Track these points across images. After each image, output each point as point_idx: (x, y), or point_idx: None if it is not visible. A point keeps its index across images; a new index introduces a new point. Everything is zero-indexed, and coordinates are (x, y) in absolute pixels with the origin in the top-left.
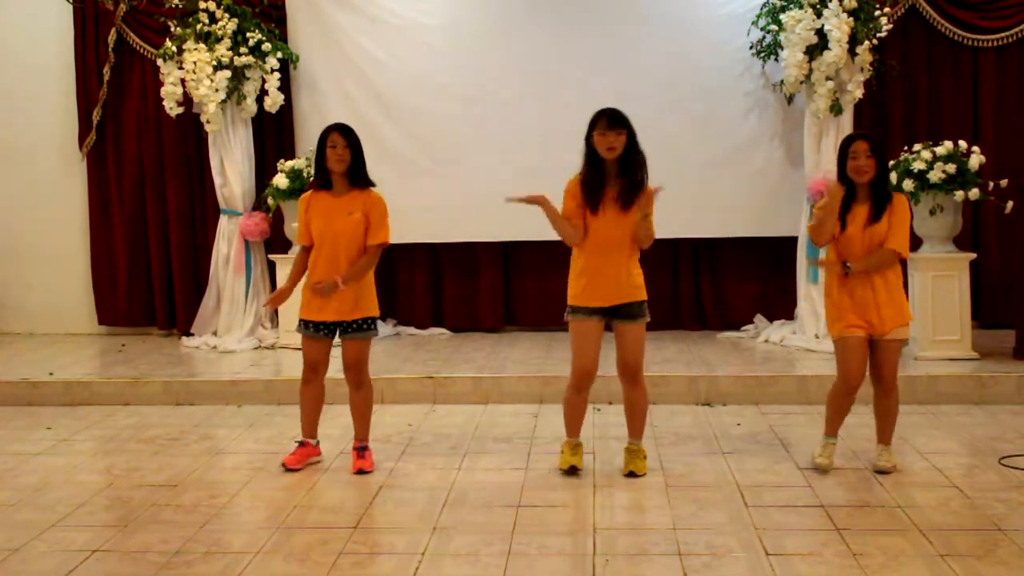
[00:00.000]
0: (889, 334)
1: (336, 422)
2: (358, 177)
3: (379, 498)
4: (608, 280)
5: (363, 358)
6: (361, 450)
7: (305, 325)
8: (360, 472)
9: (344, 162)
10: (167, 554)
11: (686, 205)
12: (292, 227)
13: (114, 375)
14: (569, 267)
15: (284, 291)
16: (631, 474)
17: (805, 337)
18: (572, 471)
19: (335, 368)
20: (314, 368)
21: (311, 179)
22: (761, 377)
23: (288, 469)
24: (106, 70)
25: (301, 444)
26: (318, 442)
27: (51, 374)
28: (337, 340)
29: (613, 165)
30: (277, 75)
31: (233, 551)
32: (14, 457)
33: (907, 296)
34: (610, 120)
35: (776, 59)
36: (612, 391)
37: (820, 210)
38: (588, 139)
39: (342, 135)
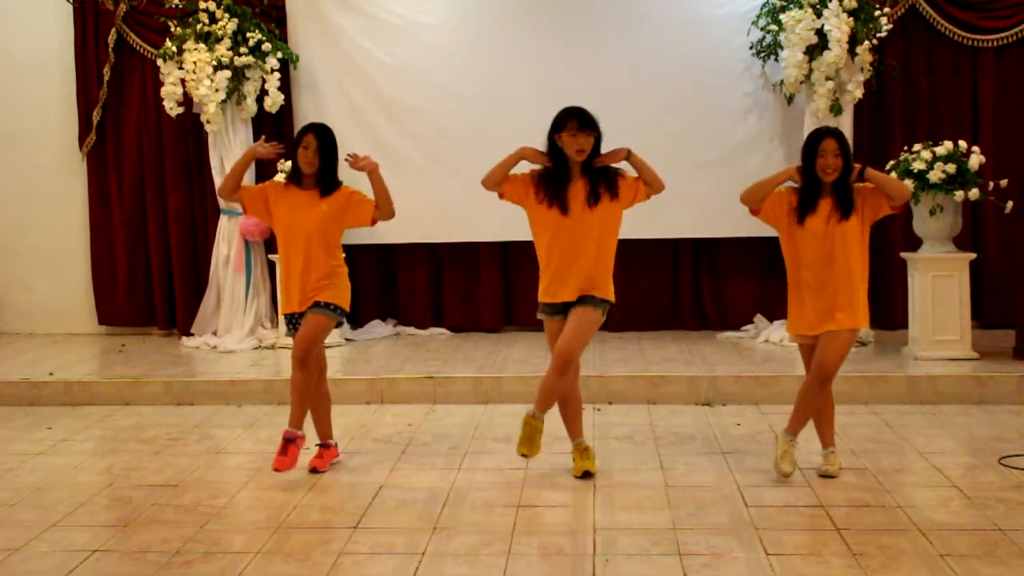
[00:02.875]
0: (842, 329)
1: (336, 422)
2: (325, 181)
3: (379, 498)
4: (573, 277)
5: (318, 332)
6: (288, 441)
7: (288, 322)
8: (277, 471)
9: (312, 166)
10: (167, 554)
11: (686, 205)
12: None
13: (114, 375)
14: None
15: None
16: (585, 474)
17: None
18: (586, 476)
19: (333, 368)
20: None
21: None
22: (761, 377)
23: (316, 471)
24: (106, 70)
25: (324, 446)
26: (335, 443)
27: (51, 374)
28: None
29: (577, 164)
30: (277, 75)
31: (233, 551)
32: (14, 457)
33: (906, 297)
34: (581, 122)
35: (776, 59)
36: (612, 391)
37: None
38: (553, 137)
39: (316, 137)
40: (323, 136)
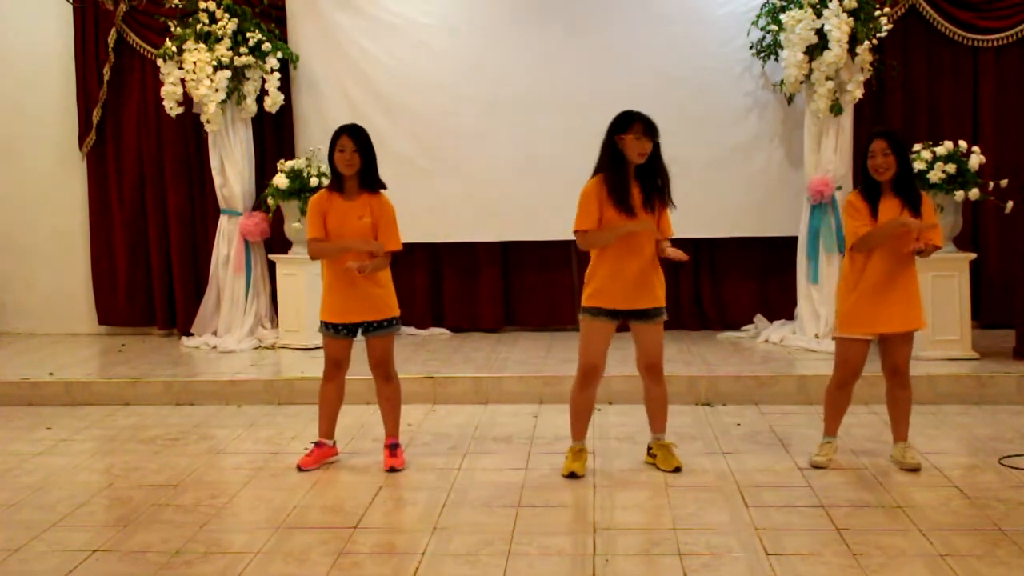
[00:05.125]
0: (910, 330)
1: (337, 422)
2: (368, 180)
3: (379, 498)
4: (626, 283)
5: (388, 352)
6: (393, 448)
7: (326, 326)
8: (392, 470)
9: (353, 166)
10: (167, 554)
11: (686, 205)
12: (292, 227)
13: (114, 375)
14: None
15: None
16: (676, 469)
17: (805, 337)
18: (571, 476)
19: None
20: (337, 364)
21: (311, 179)
22: (761, 377)
23: (302, 470)
24: (106, 70)
25: (317, 444)
26: (335, 442)
27: (51, 374)
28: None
29: (632, 167)
30: (277, 75)
31: (233, 551)
32: (14, 457)
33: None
34: (646, 127)
35: (776, 59)
36: (612, 391)
37: (890, 227)
38: (613, 139)
39: (351, 138)
40: (358, 136)
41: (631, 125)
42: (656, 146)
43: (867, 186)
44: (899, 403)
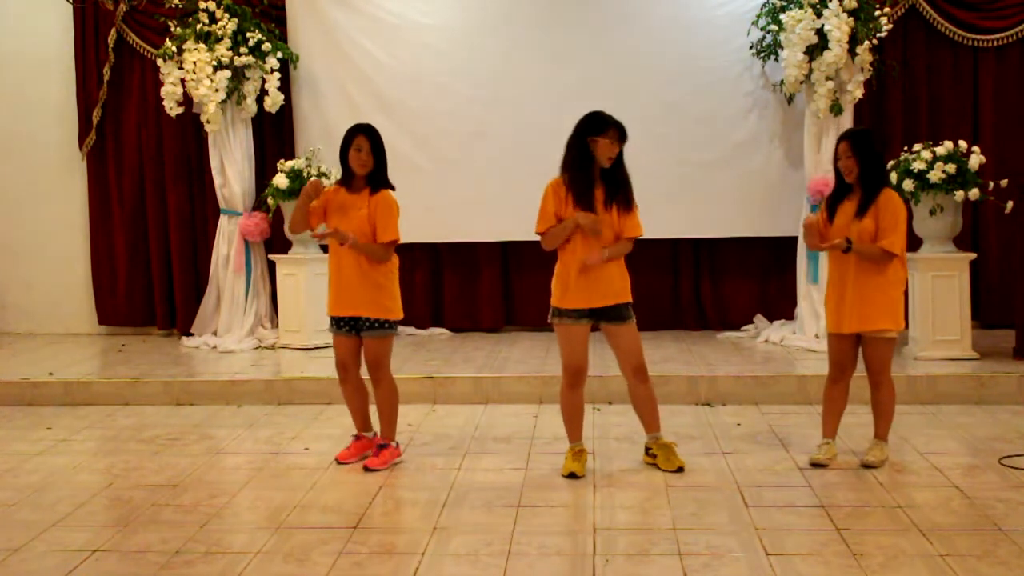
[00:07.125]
0: (868, 332)
1: (336, 422)
2: (376, 180)
3: (379, 498)
4: (591, 281)
5: (380, 355)
6: (379, 448)
7: (331, 322)
8: (366, 469)
9: (367, 167)
10: (167, 554)
11: (686, 205)
12: None
13: (114, 375)
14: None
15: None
16: (679, 469)
17: (805, 337)
18: (571, 476)
19: (332, 369)
20: (344, 366)
21: (311, 179)
22: (761, 377)
23: (340, 463)
24: (106, 70)
25: (356, 438)
26: (375, 434)
27: (51, 374)
28: None
29: (598, 169)
30: (277, 75)
31: (233, 551)
32: (14, 457)
33: (906, 297)
34: (621, 134)
35: (776, 59)
36: (612, 391)
37: (805, 228)
38: (584, 139)
39: (368, 139)
40: (374, 137)
41: (607, 129)
42: (621, 151)
43: (836, 187)
44: (873, 402)
